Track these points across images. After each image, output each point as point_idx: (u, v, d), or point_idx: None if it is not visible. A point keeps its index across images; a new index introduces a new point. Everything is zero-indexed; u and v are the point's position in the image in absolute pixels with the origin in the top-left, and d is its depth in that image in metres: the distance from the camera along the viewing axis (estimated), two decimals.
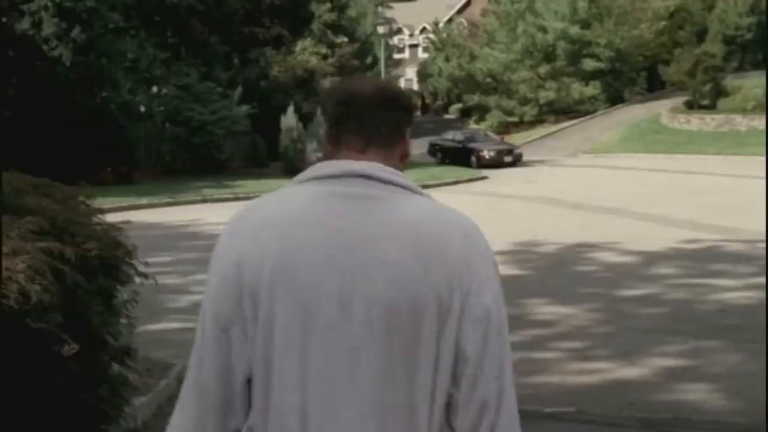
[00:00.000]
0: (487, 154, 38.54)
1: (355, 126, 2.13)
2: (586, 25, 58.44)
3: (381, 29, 33.26)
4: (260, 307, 2.01)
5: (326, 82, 40.00)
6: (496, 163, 37.88)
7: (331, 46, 40.80)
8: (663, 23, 57.36)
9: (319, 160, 2.20)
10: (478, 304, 2.03)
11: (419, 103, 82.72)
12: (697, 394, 7.72)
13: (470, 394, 2.03)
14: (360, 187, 2.06)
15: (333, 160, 2.13)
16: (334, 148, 2.16)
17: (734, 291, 11.65)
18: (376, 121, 2.14)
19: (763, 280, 12.01)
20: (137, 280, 5.40)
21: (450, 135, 43.50)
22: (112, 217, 18.81)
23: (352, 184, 2.06)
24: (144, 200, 25.12)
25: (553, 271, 13.55)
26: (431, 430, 2.02)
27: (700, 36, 53.04)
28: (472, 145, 39.66)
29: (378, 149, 2.14)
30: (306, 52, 39.73)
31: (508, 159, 38.56)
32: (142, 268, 5.49)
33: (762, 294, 11.11)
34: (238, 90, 35.85)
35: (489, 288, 2.06)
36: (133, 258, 5.46)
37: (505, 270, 13.43)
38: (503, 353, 2.06)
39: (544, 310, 10.91)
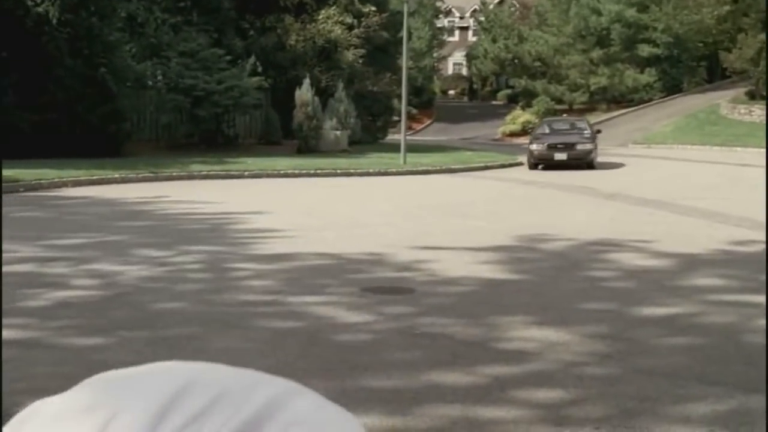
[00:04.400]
0: (536, 149, 30.23)
1: None
2: (642, 8, 55.09)
3: None
4: None
5: (350, 55, 36.75)
6: (545, 161, 29.71)
7: (359, 15, 37.51)
8: (726, 8, 53.79)
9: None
10: None
11: (466, 88, 79.45)
12: None
13: None
14: None
15: None
16: None
17: None
18: None
19: None
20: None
21: (545, 124, 34.16)
22: (72, 192, 15.21)
23: None
24: (117, 174, 22.11)
25: (556, 276, 10.18)
26: None
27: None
28: (536, 139, 31.05)
29: None
30: (329, 22, 36.42)
31: (560, 157, 29.52)
32: None
33: None
34: (251, 59, 32.67)
35: None
36: None
37: (490, 272, 10.19)
38: None
39: (525, 333, 7.62)
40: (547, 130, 32.15)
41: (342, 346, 7.24)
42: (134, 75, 30.36)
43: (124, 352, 6.96)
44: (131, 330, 7.65)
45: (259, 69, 32.91)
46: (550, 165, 29.30)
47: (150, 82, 31.67)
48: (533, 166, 29.80)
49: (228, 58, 31.71)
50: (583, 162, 29.42)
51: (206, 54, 31.22)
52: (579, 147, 30.02)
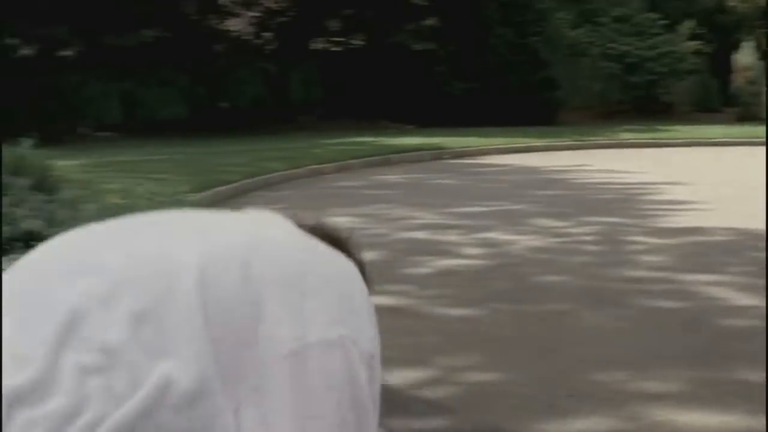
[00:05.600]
0: None
1: None
2: None
3: None
4: None
5: None
6: None
7: None
8: None
9: None
10: None
11: None
12: None
13: None
14: None
15: None
16: None
17: None
18: None
19: None
20: None
21: None
22: (495, 159, 15.63)
23: None
24: (540, 142, 22.07)
25: None
26: None
27: None
28: None
29: None
30: None
31: None
32: None
33: None
34: (688, 23, 31.34)
35: None
36: None
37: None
38: None
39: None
40: None
41: (723, 331, 6.59)
42: (568, 42, 30.23)
43: (488, 326, 6.77)
44: (503, 302, 7.45)
45: (699, 32, 31.54)
46: None
47: (586, 50, 31.35)
48: None
49: (663, 22, 30.69)
50: None
51: (640, 18, 30.45)
52: None
